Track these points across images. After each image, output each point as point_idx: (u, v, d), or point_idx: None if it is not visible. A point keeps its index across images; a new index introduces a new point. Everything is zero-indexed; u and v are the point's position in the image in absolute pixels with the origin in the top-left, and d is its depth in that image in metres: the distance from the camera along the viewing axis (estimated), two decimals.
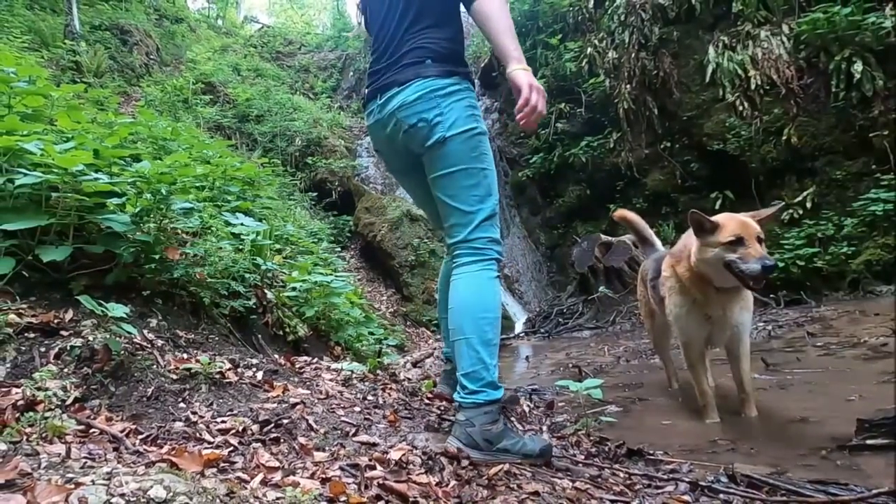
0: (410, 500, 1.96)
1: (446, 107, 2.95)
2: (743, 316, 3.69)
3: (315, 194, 16.35)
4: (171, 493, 1.57)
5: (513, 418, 3.88)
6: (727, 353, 3.89)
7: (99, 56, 16.52)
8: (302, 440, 2.38)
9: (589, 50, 12.80)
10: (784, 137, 9.82)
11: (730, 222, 3.46)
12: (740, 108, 10.29)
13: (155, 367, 2.76)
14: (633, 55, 11.76)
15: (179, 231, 4.20)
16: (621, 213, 5.00)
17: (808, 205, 9.55)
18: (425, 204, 3.47)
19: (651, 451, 3.27)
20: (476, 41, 18.97)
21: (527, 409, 4.36)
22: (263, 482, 1.90)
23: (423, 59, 3.02)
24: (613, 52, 12.21)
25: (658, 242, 4.98)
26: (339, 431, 2.60)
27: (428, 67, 3.00)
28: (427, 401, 3.97)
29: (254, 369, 3.19)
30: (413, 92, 2.97)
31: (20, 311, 2.80)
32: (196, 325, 3.73)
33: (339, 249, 13.79)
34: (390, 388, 3.82)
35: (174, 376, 2.74)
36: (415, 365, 6.54)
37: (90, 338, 2.71)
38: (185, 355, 3.05)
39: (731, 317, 3.64)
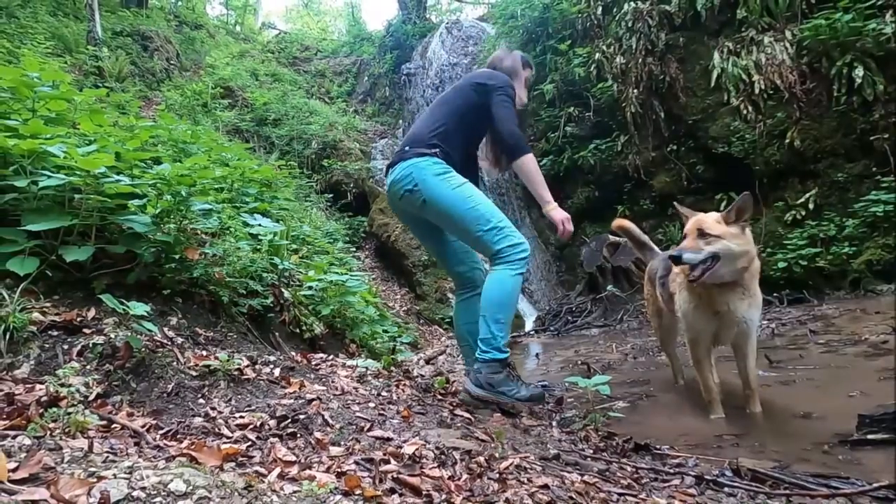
0: (423, 493, 1.96)
1: (419, 178, 3.81)
2: (750, 312, 3.64)
3: (331, 196, 16.37)
4: (191, 487, 1.57)
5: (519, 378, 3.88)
6: (734, 350, 3.85)
7: (120, 61, 16.57)
8: (318, 435, 2.37)
9: (597, 55, 12.74)
10: (787, 140, 9.80)
11: (688, 220, 3.64)
12: (744, 111, 10.26)
13: (175, 363, 2.76)
14: (640, 60, 11.72)
15: (199, 231, 4.20)
16: (618, 222, 5.01)
17: (811, 206, 9.52)
18: (431, 249, 4.47)
19: (658, 446, 3.26)
20: (486, 47, 18.95)
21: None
22: (280, 476, 1.90)
23: (411, 147, 3.95)
24: (621, 58, 12.16)
25: (654, 246, 5.01)
26: (354, 426, 2.60)
27: (408, 152, 3.92)
28: (440, 397, 3.97)
29: (271, 366, 3.19)
30: (398, 171, 3.92)
31: (44, 309, 2.81)
32: (215, 323, 3.73)
33: (353, 249, 13.82)
34: (404, 385, 3.82)
35: (194, 373, 2.74)
36: (428, 362, 6.53)
37: (112, 335, 2.72)
38: (204, 352, 3.05)
39: (737, 312, 3.59)
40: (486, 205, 3.82)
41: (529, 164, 3.95)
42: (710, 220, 3.51)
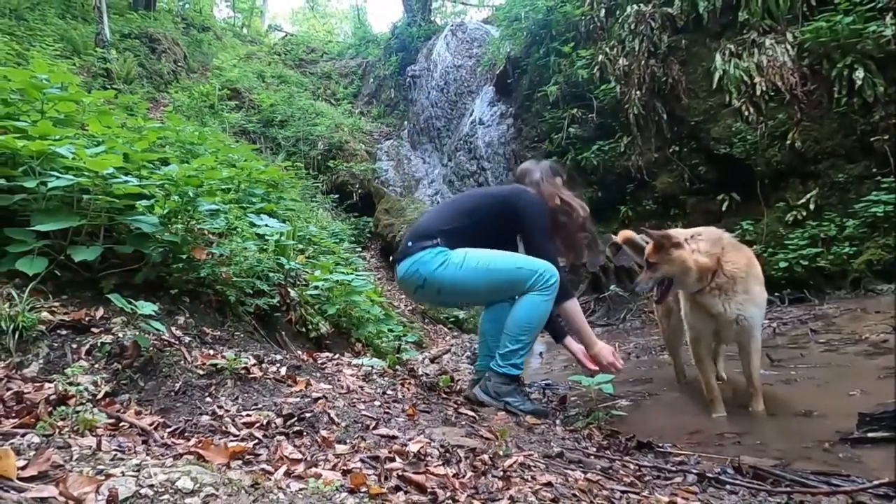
0: (428, 490, 1.95)
1: (426, 273, 3.87)
2: (748, 310, 3.65)
3: (336, 196, 16.41)
4: (198, 484, 1.57)
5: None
6: (738, 349, 3.88)
7: (128, 63, 16.61)
8: (324, 433, 2.37)
9: (600, 57, 12.72)
10: (788, 141, 9.77)
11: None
12: (746, 113, 10.23)
13: (182, 362, 2.76)
14: (642, 62, 11.70)
15: (206, 232, 4.21)
16: (624, 235, 4.97)
17: (812, 206, 9.47)
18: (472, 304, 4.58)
19: (660, 444, 3.26)
20: (491, 49, 18.96)
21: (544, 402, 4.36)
22: (287, 474, 1.90)
23: (414, 243, 3.99)
24: (624, 60, 12.14)
25: None
26: (359, 425, 2.59)
27: (411, 248, 3.96)
28: (444, 395, 3.98)
29: (278, 365, 3.18)
30: (404, 268, 3.97)
31: (53, 308, 2.81)
32: (222, 322, 3.73)
33: (359, 249, 13.83)
34: (409, 383, 3.82)
35: (201, 372, 2.74)
36: (432, 361, 6.53)
37: (120, 335, 2.72)
38: (211, 351, 3.05)
39: (732, 311, 3.62)
40: (496, 258, 3.88)
41: (574, 309, 4.04)
42: (649, 250, 3.75)
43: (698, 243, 3.66)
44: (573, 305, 4.03)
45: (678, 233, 3.72)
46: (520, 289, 3.82)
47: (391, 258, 4.04)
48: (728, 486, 2.50)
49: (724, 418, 3.73)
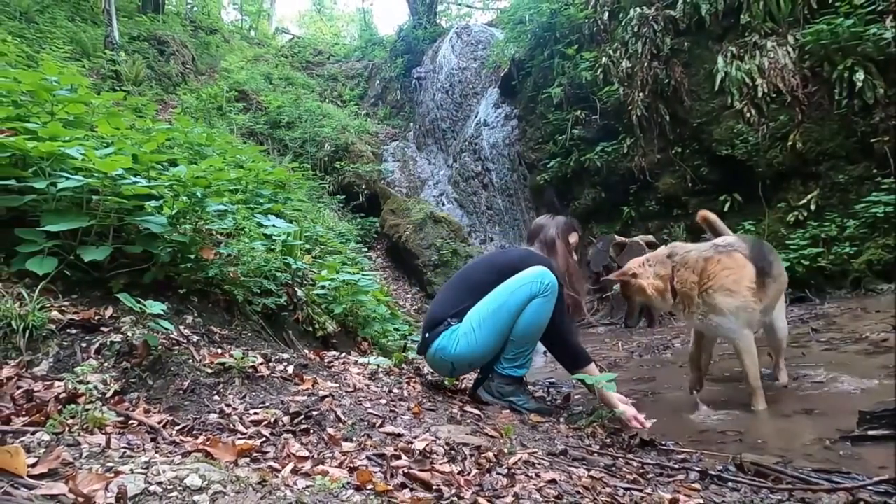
0: (434, 487, 1.95)
1: (452, 356, 3.91)
2: (711, 319, 3.87)
3: (343, 197, 16.46)
4: (206, 482, 1.57)
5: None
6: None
7: (137, 65, 16.64)
8: (331, 431, 2.37)
9: (604, 60, 12.75)
10: (789, 143, 9.77)
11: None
12: (748, 115, 10.25)
13: (191, 361, 2.76)
14: (645, 65, 11.71)
15: (214, 232, 4.20)
16: (702, 214, 4.95)
17: (812, 207, 9.46)
18: None
19: (663, 442, 3.28)
20: (495, 52, 18.97)
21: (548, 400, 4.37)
22: (294, 471, 1.90)
23: (430, 333, 4.05)
24: (627, 62, 12.15)
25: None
26: (365, 423, 2.60)
27: (429, 339, 4.01)
28: (450, 394, 3.99)
29: (285, 363, 3.18)
30: (431, 355, 4.02)
31: (62, 308, 2.81)
32: (230, 321, 3.73)
33: (365, 249, 13.86)
34: (414, 382, 3.83)
35: (209, 370, 2.74)
36: None
37: (129, 334, 2.72)
38: (219, 350, 3.05)
39: (694, 321, 3.98)
40: (492, 301, 3.91)
41: (593, 373, 3.95)
42: (619, 288, 4.23)
43: (651, 268, 3.99)
44: (592, 371, 3.96)
45: (634, 263, 4.07)
46: (526, 305, 3.80)
47: (416, 351, 4.07)
48: (730, 484, 2.51)
49: (726, 416, 3.76)
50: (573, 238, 4.45)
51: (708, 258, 3.85)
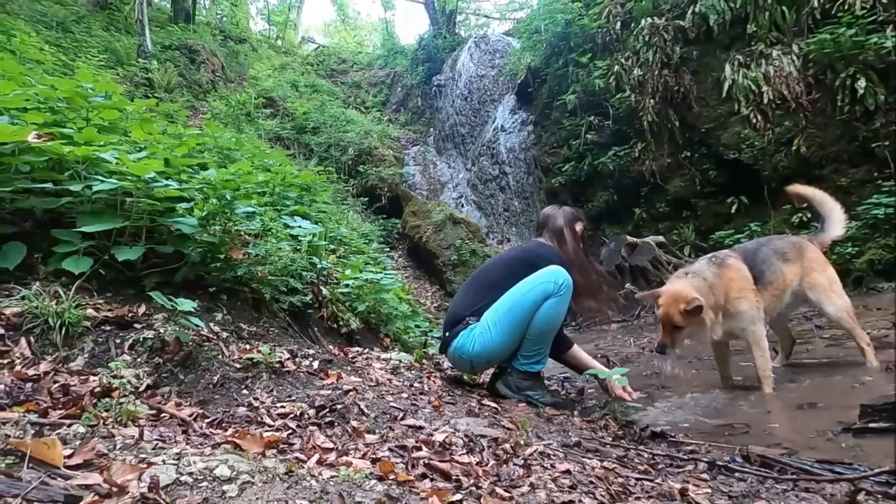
0: (453, 478, 1.95)
1: (471, 355, 3.96)
2: (729, 325, 4.11)
3: (366, 199, 16.53)
4: (235, 472, 1.57)
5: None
6: None
7: (169, 73, 16.75)
8: (354, 424, 2.37)
9: (616, 68, 12.85)
10: (794, 147, 9.91)
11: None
12: (754, 120, 10.38)
13: (220, 357, 2.77)
14: (656, 72, 11.79)
15: (242, 233, 4.21)
16: (794, 188, 4.94)
17: None
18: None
19: (672, 434, 3.26)
20: (512, 60, 18.96)
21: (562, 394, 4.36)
22: (319, 462, 1.89)
23: (450, 333, 4.10)
24: (638, 70, 12.23)
25: (833, 220, 5.17)
26: (388, 416, 2.59)
27: (449, 337, 4.08)
28: (468, 388, 3.98)
29: (310, 359, 3.19)
30: (452, 353, 4.08)
31: (97, 305, 2.82)
32: (258, 318, 3.74)
33: (387, 250, 13.88)
34: (434, 377, 3.83)
35: (238, 365, 2.75)
36: None
37: (161, 330, 2.73)
38: (247, 346, 3.06)
39: (720, 327, 4.07)
40: (508, 300, 3.91)
41: (577, 354, 4.36)
42: (678, 318, 3.89)
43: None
44: (577, 351, 4.37)
45: (692, 292, 3.88)
46: (541, 304, 3.81)
47: (438, 350, 4.13)
48: (737, 474, 2.49)
49: (734, 409, 3.77)
50: (579, 226, 4.48)
51: (714, 273, 4.08)
